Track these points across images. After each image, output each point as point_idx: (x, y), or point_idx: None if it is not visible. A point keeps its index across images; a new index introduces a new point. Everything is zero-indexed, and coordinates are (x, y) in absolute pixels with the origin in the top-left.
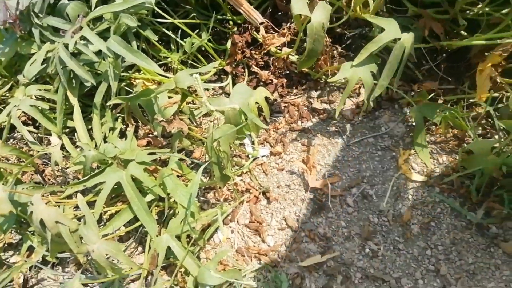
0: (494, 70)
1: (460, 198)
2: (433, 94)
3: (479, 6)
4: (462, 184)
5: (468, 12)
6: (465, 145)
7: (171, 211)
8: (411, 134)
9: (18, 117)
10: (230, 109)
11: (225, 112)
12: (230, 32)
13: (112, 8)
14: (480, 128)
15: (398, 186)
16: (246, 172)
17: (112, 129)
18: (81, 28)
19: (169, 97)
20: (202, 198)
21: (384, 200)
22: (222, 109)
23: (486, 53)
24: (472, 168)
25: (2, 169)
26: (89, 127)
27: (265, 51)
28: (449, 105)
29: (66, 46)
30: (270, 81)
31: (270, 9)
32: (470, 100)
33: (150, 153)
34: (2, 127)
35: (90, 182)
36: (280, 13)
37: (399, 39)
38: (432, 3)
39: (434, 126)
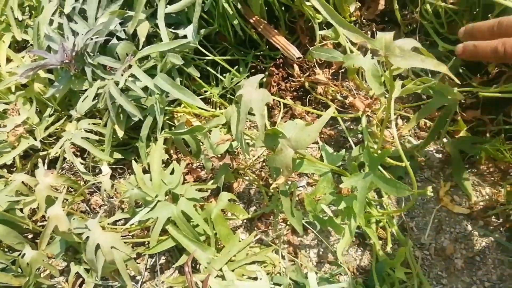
0: None
1: (506, 232)
2: (474, 123)
3: None
4: (508, 217)
5: None
6: (510, 177)
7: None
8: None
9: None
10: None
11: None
12: (266, 67)
13: (159, 48)
14: None
15: (439, 218)
16: None
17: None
18: (130, 66)
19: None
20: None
21: (425, 233)
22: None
23: None
24: None
25: (53, 198)
26: (133, 158)
27: (300, 84)
28: (489, 136)
29: (117, 83)
30: (304, 115)
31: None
32: None
33: (198, 189)
34: (52, 158)
35: (143, 217)
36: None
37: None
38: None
39: (475, 157)
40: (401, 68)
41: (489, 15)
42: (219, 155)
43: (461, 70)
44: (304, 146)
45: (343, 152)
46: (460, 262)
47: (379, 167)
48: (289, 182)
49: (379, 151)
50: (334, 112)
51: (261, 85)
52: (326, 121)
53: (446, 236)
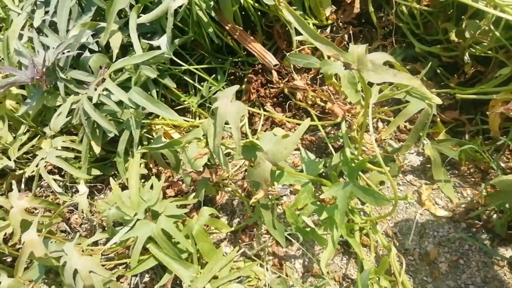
0: (506, 106)
1: (488, 234)
2: (453, 124)
3: (485, 44)
4: (489, 218)
5: (474, 50)
6: (490, 177)
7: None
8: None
9: (45, 166)
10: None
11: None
12: (245, 73)
13: (133, 60)
14: (504, 157)
15: (422, 222)
16: None
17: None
18: (103, 80)
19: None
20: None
21: (409, 237)
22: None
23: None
24: (498, 203)
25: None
26: (112, 172)
27: (280, 91)
28: (468, 137)
29: (90, 98)
30: (284, 122)
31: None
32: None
33: (179, 206)
34: (28, 177)
35: (122, 237)
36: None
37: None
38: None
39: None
40: None
41: (463, 17)
42: (198, 170)
43: (438, 71)
44: (281, 159)
45: (323, 160)
46: (444, 266)
47: (360, 173)
48: (270, 196)
49: (360, 158)
50: (314, 119)
51: (240, 92)
52: (302, 132)
53: (429, 240)
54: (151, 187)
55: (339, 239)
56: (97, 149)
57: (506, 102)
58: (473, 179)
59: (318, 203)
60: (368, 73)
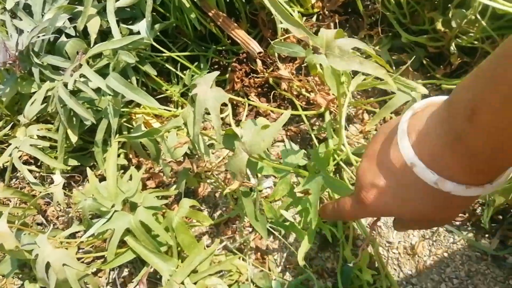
0: None
1: (473, 227)
2: None
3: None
4: (473, 211)
5: (461, 40)
6: None
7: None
8: None
9: (20, 157)
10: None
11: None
12: (229, 62)
13: (111, 45)
14: None
15: None
16: None
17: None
18: (80, 65)
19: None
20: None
21: (393, 231)
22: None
23: None
24: (483, 197)
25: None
26: (91, 163)
27: (264, 80)
28: None
29: (66, 85)
30: (269, 112)
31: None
32: None
33: (159, 196)
34: (4, 167)
35: (99, 229)
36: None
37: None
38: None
39: None
40: None
41: (449, 5)
42: (179, 160)
43: (425, 62)
44: (259, 151)
45: (302, 150)
46: (429, 260)
47: (344, 166)
48: (253, 188)
49: (342, 148)
50: (298, 109)
51: (224, 81)
52: (282, 124)
53: (414, 233)
54: (130, 178)
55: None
56: (74, 138)
57: None
58: None
59: (297, 195)
60: (334, 59)
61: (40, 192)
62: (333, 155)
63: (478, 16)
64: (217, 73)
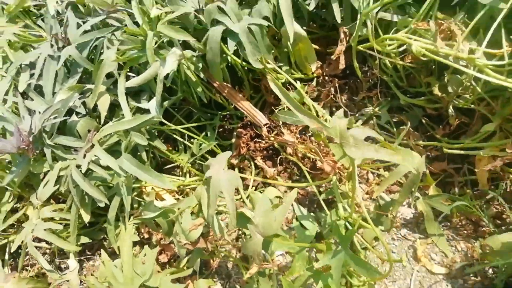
0: (493, 164)
1: None
2: (443, 175)
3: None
4: (485, 274)
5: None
6: (481, 229)
7: None
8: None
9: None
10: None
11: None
12: (234, 127)
13: (122, 126)
14: (493, 208)
15: (420, 280)
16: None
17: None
18: (92, 145)
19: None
20: None
21: None
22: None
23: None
24: (494, 262)
25: None
26: (101, 237)
27: (269, 144)
28: (457, 188)
29: (79, 167)
30: (275, 177)
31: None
32: None
33: (174, 280)
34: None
35: None
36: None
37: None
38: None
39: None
40: None
41: (445, 72)
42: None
43: (423, 121)
44: (272, 232)
45: (316, 224)
46: None
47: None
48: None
49: (354, 215)
50: (305, 174)
51: (230, 145)
52: (290, 203)
53: None
54: (144, 256)
55: None
56: (86, 218)
57: (492, 157)
58: (465, 231)
59: (314, 269)
60: (350, 148)
61: (56, 280)
62: (345, 223)
63: (473, 82)
64: (229, 153)
